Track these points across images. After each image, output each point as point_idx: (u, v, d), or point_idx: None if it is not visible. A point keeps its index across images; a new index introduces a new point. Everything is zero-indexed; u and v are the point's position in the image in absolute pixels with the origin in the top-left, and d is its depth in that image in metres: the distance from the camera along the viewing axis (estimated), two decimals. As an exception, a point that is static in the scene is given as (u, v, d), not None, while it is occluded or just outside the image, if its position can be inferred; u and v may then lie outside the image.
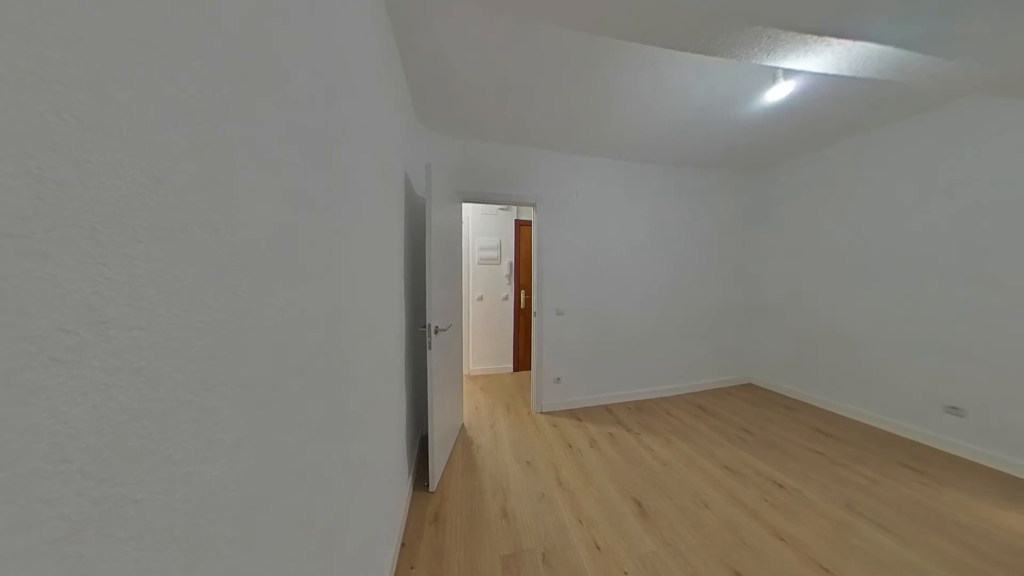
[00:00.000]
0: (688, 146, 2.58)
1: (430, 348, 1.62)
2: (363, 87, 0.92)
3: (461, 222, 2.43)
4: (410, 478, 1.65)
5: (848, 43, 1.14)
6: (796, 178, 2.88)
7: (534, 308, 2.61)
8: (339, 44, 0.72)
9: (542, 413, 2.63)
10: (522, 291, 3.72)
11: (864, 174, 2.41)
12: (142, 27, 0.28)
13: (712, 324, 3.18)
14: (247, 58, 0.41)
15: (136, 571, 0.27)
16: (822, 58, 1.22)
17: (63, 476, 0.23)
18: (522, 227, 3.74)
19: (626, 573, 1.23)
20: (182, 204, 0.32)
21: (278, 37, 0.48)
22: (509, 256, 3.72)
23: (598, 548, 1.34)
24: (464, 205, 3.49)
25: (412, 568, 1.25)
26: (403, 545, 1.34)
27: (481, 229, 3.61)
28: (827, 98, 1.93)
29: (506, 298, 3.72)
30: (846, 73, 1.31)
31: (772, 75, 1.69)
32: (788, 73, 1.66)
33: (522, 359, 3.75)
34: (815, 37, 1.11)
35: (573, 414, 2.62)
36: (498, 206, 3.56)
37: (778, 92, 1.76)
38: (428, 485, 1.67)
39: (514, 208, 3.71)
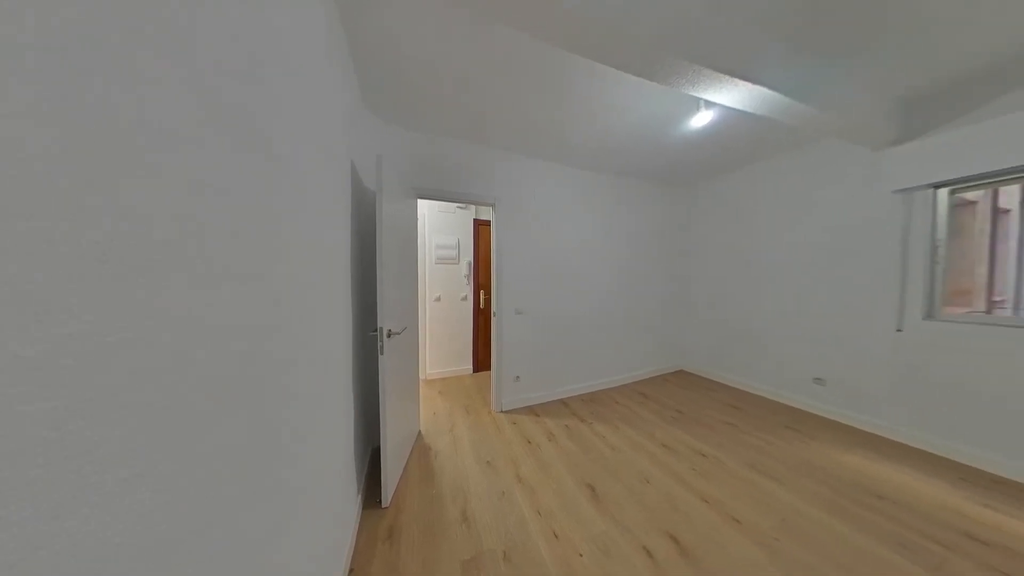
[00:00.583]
0: (632, 159, 2.79)
1: (382, 353, 1.52)
2: (300, 62, 0.82)
3: (416, 219, 2.32)
4: (359, 496, 1.53)
5: (750, 85, 1.43)
6: (713, 195, 3.41)
7: (494, 308, 2.59)
8: (264, 4, 0.63)
9: (502, 412, 2.62)
10: (481, 291, 3.68)
11: (760, 194, 2.96)
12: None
13: (652, 319, 3.50)
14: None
15: None
16: (732, 95, 1.50)
17: None
18: (481, 226, 3.69)
19: (581, 555, 1.28)
20: (29, 181, 0.24)
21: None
22: (468, 255, 3.64)
23: (556, 537, 1.38)
24: (420, 202, 3.35)
25: (363, 592, 1.16)
26: (351, 572, 1.23)
27: (438, 227, 3.49)
28: (736, 128, 2.27)
29: (465, 298, 3.65)
30: (749, 109, 1.62)
31: (696, 104, 1.95)
32: (709, 104, 1.93)
33: (482, 360, 3.70)
34: (727, 76, 1.37)
35: (532, 410, 2.65)
36: (456, 204, 3.48)
37: (701, 119, 2.06)
38: (381, 501, 1.56)
39: (473, 207, 3.65)
